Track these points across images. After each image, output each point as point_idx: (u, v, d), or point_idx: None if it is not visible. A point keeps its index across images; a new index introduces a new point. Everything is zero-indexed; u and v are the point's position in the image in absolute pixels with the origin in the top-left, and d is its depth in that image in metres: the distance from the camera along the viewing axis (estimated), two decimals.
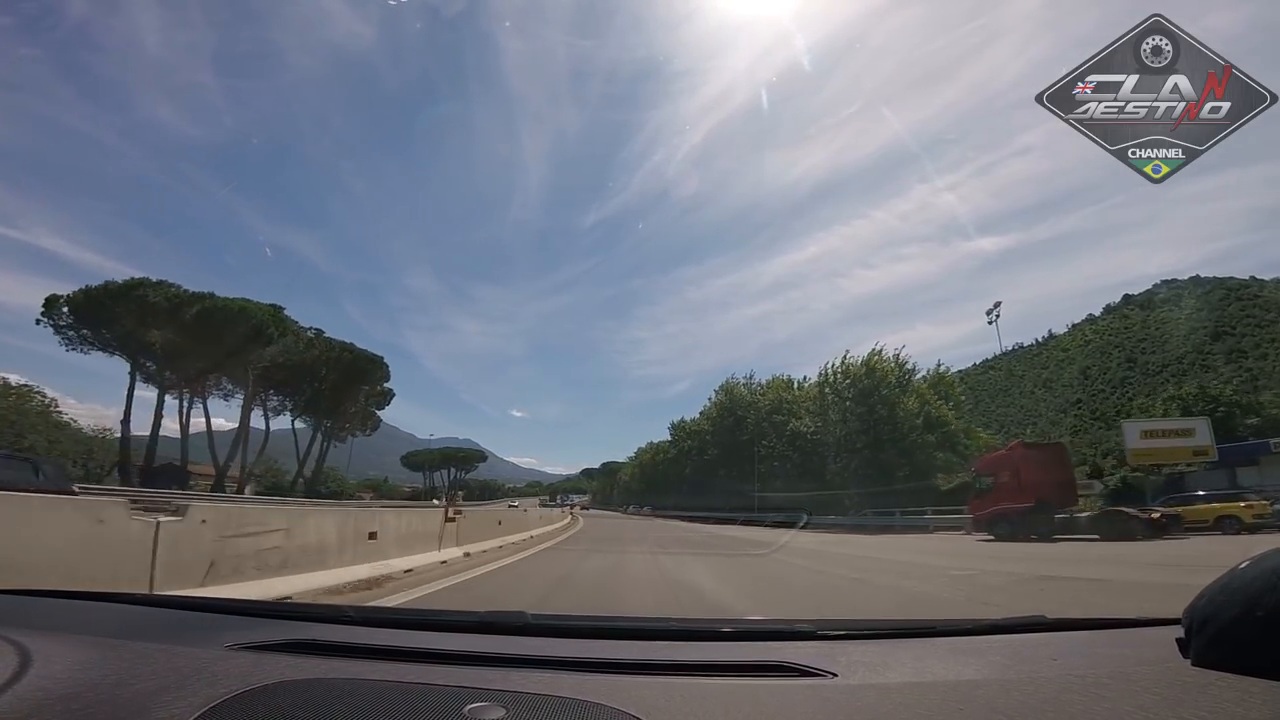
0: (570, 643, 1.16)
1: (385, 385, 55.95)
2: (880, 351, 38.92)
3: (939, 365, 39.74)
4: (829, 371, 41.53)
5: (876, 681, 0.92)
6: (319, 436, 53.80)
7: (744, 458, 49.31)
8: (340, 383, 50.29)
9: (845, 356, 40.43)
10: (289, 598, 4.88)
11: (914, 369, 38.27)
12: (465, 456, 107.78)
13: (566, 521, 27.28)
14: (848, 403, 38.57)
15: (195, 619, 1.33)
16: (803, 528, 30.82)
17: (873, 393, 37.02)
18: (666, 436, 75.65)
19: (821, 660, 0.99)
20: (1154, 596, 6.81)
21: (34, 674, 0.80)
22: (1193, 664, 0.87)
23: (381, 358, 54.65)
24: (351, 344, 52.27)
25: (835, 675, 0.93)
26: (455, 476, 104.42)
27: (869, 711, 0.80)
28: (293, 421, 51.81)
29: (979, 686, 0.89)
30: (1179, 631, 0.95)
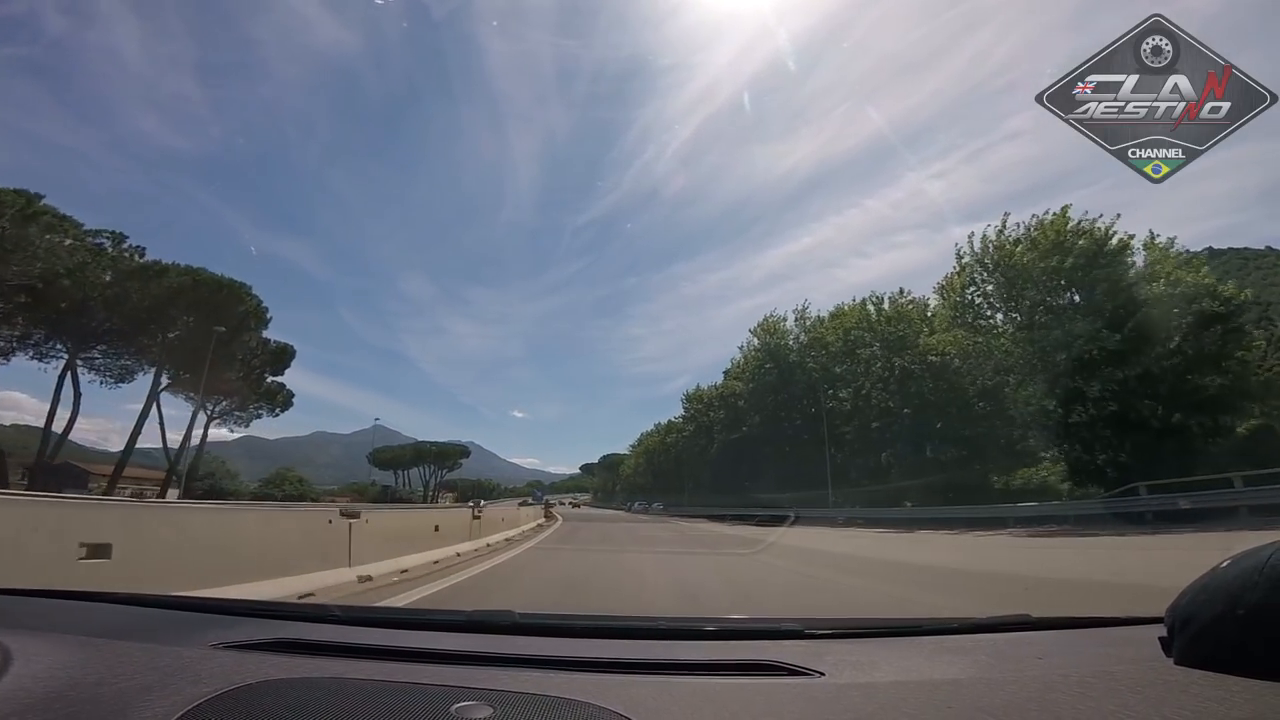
0: (558, 642, 1.16)
1: (263, 335, 37.94)
2: (1064, 211, 21.28)
3: (1170, 240, 20.97)
4: (978, 248, 22.84)
5: (863, 680, 0.93)
6: (205, 416, 36.58)
7: (802, 426, 34.67)
8: (196, 328, 32.63)
9: (1004, 222, 22.38)
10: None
11: (1131, 247, 20.55)
12: (443, 453, 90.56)
13: (523, 530, 18.18)
14: (1028, 301, 20.92)
15: (178, 618, 1.32)
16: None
17: (1093, 264, 19.59)
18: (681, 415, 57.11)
19: (808, 659, 0.99)
20: None
21: (14, 673, 0.80)
22: (1175, 662, 0.87)
23: (246, 285, 35.73)
24: (200, 268, 33.77)
25: (822, 674, 0.93)
26: (436, 475, 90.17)
27: (856, 710, 0.80)
28: (154, 388, 34.51)
29: (964, 685, 0.89)
30: (1162, 630, 0.95)
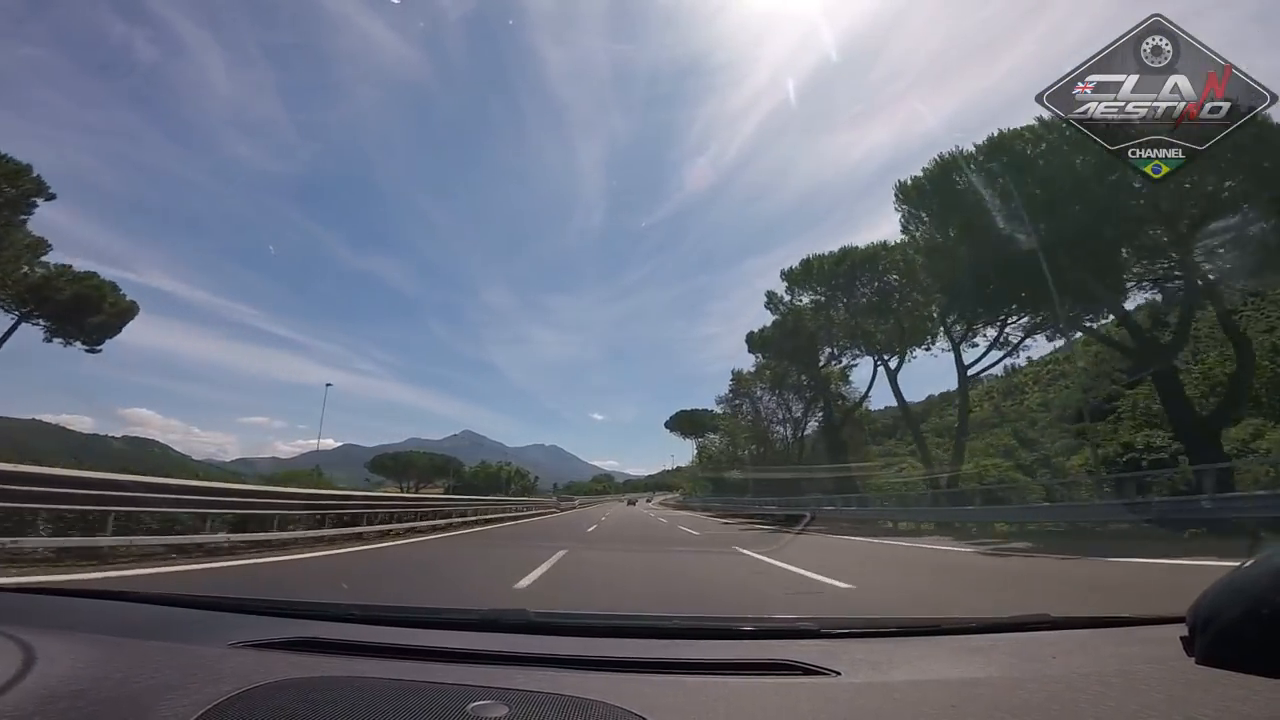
0: (573, 640, 1.16)
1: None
2: None
3: None
4: None
5: (880, 680, 0.92)
6: None
7: None
8: None
9: None
10: None
11: None
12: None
13: None
14: None
15: (199, 617, 1.33)
16: None
17: None
18: None
19: (825, 659, 0.98)
20: None
21: (38, 672, 0.80)
22: (1197, 662, 0.87)
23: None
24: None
25: (839, 674, 0.93)
26: None
27: (872, 710, 0.80)
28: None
29: (982, 685, 0.89)
30: (1183, 630, 0.95)
